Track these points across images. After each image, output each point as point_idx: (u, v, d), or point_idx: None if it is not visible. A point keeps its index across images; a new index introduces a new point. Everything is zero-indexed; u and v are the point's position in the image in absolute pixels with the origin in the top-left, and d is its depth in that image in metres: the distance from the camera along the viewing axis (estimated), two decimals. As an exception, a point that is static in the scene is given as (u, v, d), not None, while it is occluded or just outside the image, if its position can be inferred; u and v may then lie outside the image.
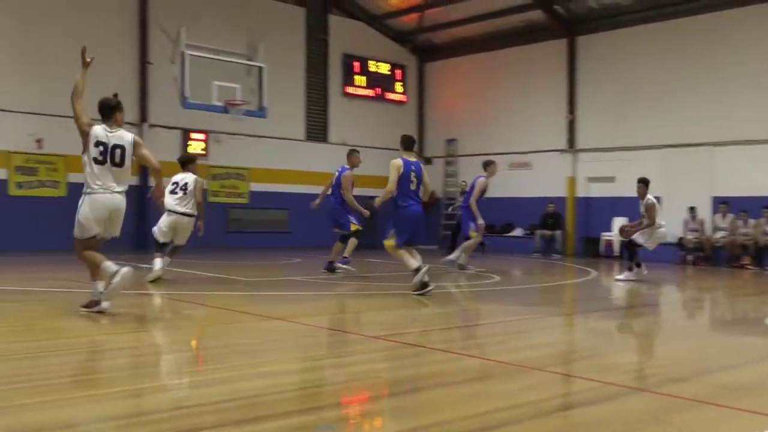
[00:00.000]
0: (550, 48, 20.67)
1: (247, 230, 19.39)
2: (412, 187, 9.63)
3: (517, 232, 21.16)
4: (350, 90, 22.23)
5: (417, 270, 9.24)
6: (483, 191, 13.14)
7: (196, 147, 19.11)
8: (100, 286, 6.93)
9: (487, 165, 13.48)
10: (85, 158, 7.11)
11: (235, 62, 16.11)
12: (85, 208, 7.08)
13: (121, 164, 7.13)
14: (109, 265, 6.85)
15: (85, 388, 4.24)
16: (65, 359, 5.19)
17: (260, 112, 16.47)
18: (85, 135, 7.07)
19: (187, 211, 10.39)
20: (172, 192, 10.33)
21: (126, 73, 18.03)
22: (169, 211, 10.29)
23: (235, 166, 19.79)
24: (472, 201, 13.03)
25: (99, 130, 7.11)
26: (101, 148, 7.07)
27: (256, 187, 19.98)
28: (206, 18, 17.18)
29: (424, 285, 9.19)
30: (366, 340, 6.18)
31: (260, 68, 16.25)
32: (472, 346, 6.16)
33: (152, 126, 18.47)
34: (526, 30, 21.08)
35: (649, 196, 12.24)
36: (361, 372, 5.05)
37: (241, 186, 19.90)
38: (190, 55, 14.97)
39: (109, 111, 7.31)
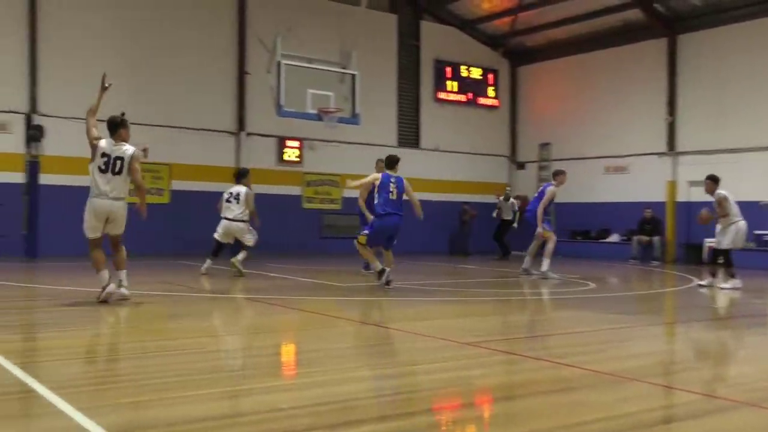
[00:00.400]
0: (649, 48, 20.04)
1: (341, 236, 19.63)
2: (392, 197, 10.52)
3: (614, 237, 20.59)
4: (442, 95, 22.21)
5: (381, 272, 10.49)
6: (551, 200, 13.34)
7: (290, 154, 19.55)
8: (106, 275, 8.10)
9: (557, 174, 13.72)
10: (91, 167, 8.06)
11: (329, 70, 16.34)
12: (88, 212, 8.15)
13: (119, 173, 8.09)
14: (104, 277, 8.03)
15: (186, 389, 4.39)
16: (168, 360, 5.39)
17: (353, 119, 16.64)
18: (93, 147, 8.07)
19: (238, 217, 12.14)
20: (227, 201, 12.24)
21: (225, 83, 18.68)
22: (224, 218, 12.22)
23: (329, 173, 20.10)
24: (540, 208, 13.13)
25: (105, 144, 8.09)
26: (105, 158, 8.05)
27: (349, 192, 20.21)
28: (301, 27, 17.55)
29: (387, 283, 10.39)
30: (458, 346, 6.14)
31: (353, 75, 16.43)
32: (567, 354, 6.03)
33: (249, 134, 19.02)
34: (624, 30, 20.53)
35: (720, 191, 12.05)
36: (452, 378, 5.01)
37: (334, 192, 20.19)
38: (286, 64, 15.29)
39: (114, 127, 8.32)
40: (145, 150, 17.33)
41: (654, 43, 19.89)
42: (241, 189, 12.35)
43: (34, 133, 16.29)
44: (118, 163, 8.05)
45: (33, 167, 16.42)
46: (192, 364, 5.24)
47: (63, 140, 16.50)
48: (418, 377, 5.16)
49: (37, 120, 16.37)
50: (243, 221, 12.25)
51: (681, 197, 19.46)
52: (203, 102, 18.39)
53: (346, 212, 20.15)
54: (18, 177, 16.30)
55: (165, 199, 17.74)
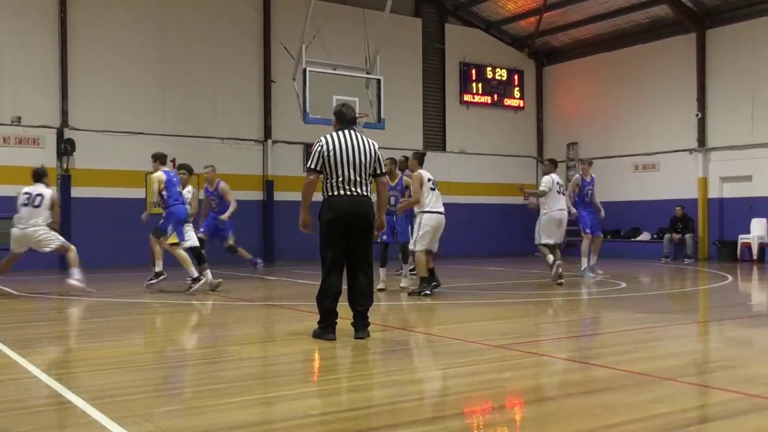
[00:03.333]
0: (677, 43, 19.81)
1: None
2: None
3: (644, 236, 20.36)
4: (467, 98, 22.16)
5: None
6: (576, 189, 13.46)
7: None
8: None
9: (581, 163, 14.40)
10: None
11: (354, 76, 16.37)
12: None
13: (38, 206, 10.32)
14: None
15: (218, 397, 4.42)
16: (198, 368, 5.43)
17: (378, 123, 16.65)
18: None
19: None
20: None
21: (251, 92, 18.86)
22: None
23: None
24: (568, 200, 12.96)
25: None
26: (27, 196, 10.37)
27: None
28: (325, 34, 17.62)
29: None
30: (489, 349, 6.11)
31: (378, 80, 16.44)
32: (599, 355, 5.97)
33: (275, 142, 19.13)
34: (651, 26, 20.34)
35: None
36: (484, 381, 4.99)
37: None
38: (311, 71, 15.35)
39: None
40: (172, 161, 17.57)
41: (682, 39, 19.65)
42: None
43: (65, 147, 16.55)
44: (38, 198, 10.45)
45: (65, 181, 16.69)
46: (223, 372, 5.27)
47: (93, 154, 16.78)
48: (448, 381, 5.15)
49: (68, 134, 16.64)
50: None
51: (713, 194, 19.19)
52: (230, 112, 18.56)
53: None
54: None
55: (194, 208, 17.88)
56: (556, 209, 11.85)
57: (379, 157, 6.63)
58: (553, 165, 12.58)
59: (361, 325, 6.45)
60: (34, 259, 10.32)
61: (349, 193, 6.40)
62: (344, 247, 6.42)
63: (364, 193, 6.48)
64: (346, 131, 6.57)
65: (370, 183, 6.61)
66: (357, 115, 16.25)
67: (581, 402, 4.35)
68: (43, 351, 6.27)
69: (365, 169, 6.47)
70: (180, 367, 5.53)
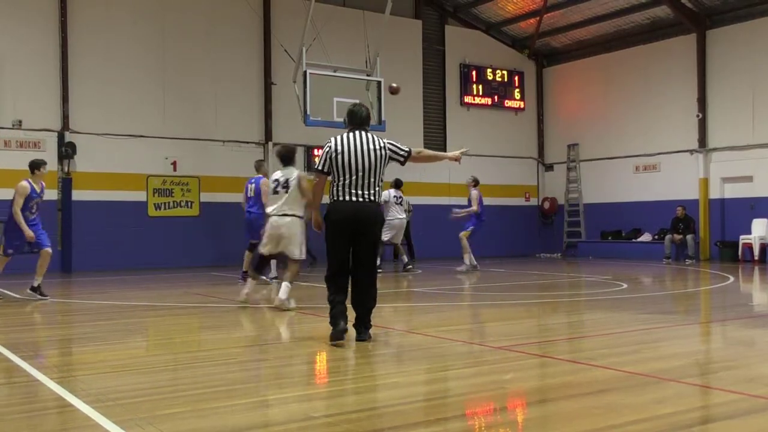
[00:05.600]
0: (678, 44, 19.81)
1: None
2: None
3: (645, 237, 20.35)
4: (468, 99, 22.15)
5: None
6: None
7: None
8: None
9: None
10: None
11: (354, 78, 16.39)
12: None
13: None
14: None
15: (220, 400, 4.42)
16: (200, 371, 5.43)
17: (379, 125, 16.66)
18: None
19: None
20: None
21: (252, 94, 18.85)
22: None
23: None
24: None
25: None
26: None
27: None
28: (326, 36, 17.65)
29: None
30: (491, 350, 6.11)
31: (378, 82, 16.46)
32: (601, 356, 5.96)
33: (276, 144, 19.12)
34: (651, 27, 20.34)
35: None
36: (486, 383, 4.99)
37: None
38: (311, 73, 15.37)
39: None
40: (173, 163, 17.58)
41: (683, 40, 19.65)
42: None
43: (66, 151, 16.56)
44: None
45: (66, 184, 16.70)
46: (225, 375, 5.28)
47: (94, 157, 16.78)
48: (450, 382, 5.15)
49: (68, 137, 16.64)
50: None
51: (714, 194, 19.17)
52: (230, 114, 18.57)
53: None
54: (52, 194, 16.56)
55: (195, 211, 17.93)
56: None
57: (391, 149, 6.43)
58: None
59: (363, 328, 6.43)
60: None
61: (354, 198, 6.26)
62: (348, 250, 6.36)
63: (370, 198, 6.29)
64: (357, 132, 6.42)
65: (380, 185, 6.42)
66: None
67: (583, 403, 4.35)
68: (44, 354, 6.27)
69: (373, 171, 6.29)
70: (182, 369, 5.53)
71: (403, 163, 6.57)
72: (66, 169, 16.72)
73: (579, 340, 7.12)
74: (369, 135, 6.44)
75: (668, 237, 18.88)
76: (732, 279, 13.30)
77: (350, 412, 4.14)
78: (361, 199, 6.27)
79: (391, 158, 6.46)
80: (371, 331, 6.50)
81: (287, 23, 18.66)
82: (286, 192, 8.92)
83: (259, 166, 12.99)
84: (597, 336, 7.14)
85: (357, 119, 6.51)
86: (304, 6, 15.69)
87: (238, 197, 18.35)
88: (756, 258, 17.39)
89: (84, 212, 16.67)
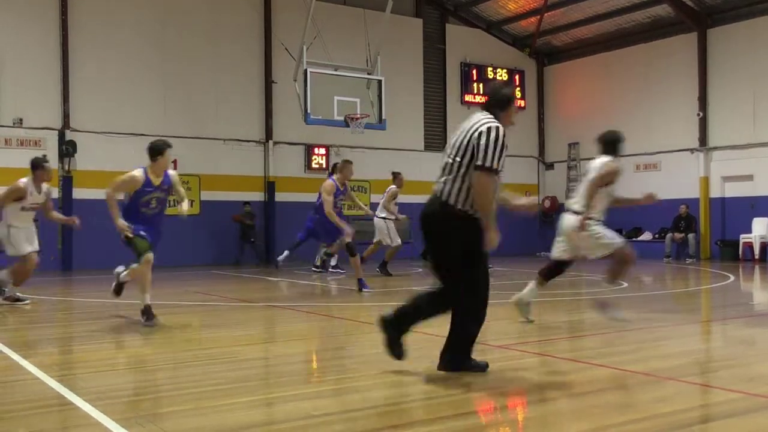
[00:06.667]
0: (679, 43, 19.81)
1: (369, 241, 19.66)
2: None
3: (646, 236, 20.34)
4: (468, 98, 22.15)
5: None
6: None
7: (319, 162, 19.63)
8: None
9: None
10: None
11: (355, 77, 16.38)
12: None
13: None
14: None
15: (221, 398, 4.42)
16: (201, 369, 5.43)
17: (380, 124, 16.66)
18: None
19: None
20: None
21: (252, 93, 18.87)
22: None
23: (356, 179, 20.08)
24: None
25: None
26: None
27: (377, 198, 20.23)
28: (326, 35, 17.66)
29: None
30: (491, 349, 6.10)
31: (379, 81, 16.45)
32: (601, 355, 5.96)
33: (276, 143, 19.14)
34: (652, 26, 20.34)
35: None
36: (485, 382, 4.98)
37: (362, 198, 20.18)
38: (312, 72, 15.36)
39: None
40: (174, 161, 17.57)
41: (684, 38, 19.65)
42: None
43: (66, 149, 16.56)
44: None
45: (66, 182, 16.70)
46: (226, 373, 5.27)
47: (94, 155, 16.78)
48: (450, 381, 5.14)
49: (69, 135, 16.65)
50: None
51: (714, 193, 19.18)
52: (231, 113, 18.57)
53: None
54: (53, 192, 16.58)
55: (195, 210, 17.92)
56: None
57: (475, 142, 5.00)
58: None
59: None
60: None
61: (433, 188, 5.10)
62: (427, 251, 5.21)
63: (440, 188, 5.05)
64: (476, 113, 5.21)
65: (457, 171, 5.02)
66: (358, 116, 16.30)
67: (583, 402, 4.35)
68: (45, 352, 6.27)
69: (453, 154, 5.08)
70: (183, 368, 5.53)
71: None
72: (66, 167, 16.73)
73: (579, 338, 7.12)
74: (478, 114, 5.35)
75: (669, 236, 18.88)
76: (732, 278, 13.30)
77: (350, 411, 4.14)
78: (434, 189, 5.17)
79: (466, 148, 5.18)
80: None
81: (288, 22, 18.66)
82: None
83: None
84: (597, 335, 7.14)
85: (493, 99, 5.41)
86: (305, 4, 15.69)
87: (239, 196, 18.45)
88: (756, 257, 17.39)
89: (85, 211, 16.65)
